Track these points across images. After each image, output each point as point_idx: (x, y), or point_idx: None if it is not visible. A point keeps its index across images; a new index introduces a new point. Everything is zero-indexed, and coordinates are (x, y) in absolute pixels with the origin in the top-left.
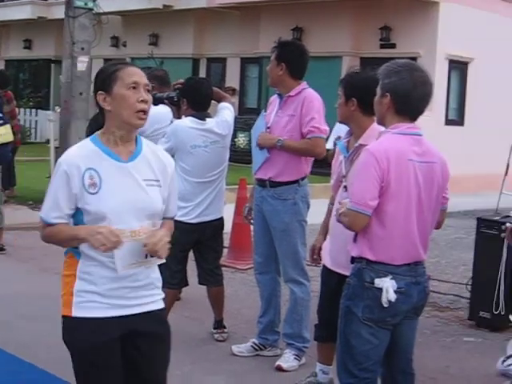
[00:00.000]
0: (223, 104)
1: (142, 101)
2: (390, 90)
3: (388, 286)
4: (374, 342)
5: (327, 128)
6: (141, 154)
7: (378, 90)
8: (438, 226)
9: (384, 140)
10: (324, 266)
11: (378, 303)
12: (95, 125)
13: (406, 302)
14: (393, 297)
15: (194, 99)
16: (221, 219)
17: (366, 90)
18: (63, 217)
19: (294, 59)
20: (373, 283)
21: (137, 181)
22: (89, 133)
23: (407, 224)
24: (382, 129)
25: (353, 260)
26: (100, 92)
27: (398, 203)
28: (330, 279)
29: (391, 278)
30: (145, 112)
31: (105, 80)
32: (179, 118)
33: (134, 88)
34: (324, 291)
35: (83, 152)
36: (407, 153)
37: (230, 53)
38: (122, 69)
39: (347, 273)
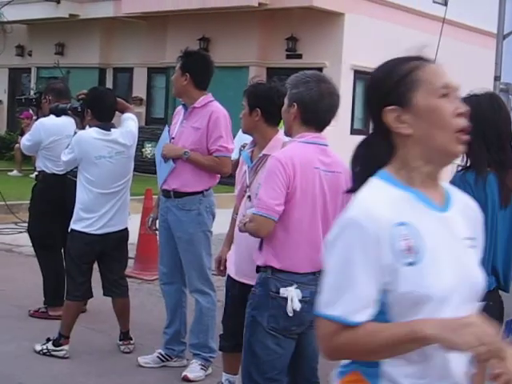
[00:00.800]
0: (127, 114)
1: (461, 114)
2: (297, 100)
3: (293, 296)
4: (279, 351)
5: (233, 146)
6: (453, 197)
7: (286, 100)
8: None
9: (290, 148)
10: (229, 276)
11: (283, 313)
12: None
13: (311, 311)
14: (298, 306)
15: (98, 110)
16: (125, 230)
17: (270, 101)
18: (370, 308)
19: (198, 69)
20: (278, 292)
21: (461, 241)
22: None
23: (312, 232)
24: (286, 139)
25: (258, 269)
26: (390, 108)
27: (303, 210)
28: (235, 289)
29: (296, 287)
30: (465, 131)
31: (395, 87)
32: (83, 128)
33: (445, 96)
34: (229, 301)
35: (385, 197)
36: (313, 161)
37: (136, 63)
38: (422, 67)
39: (251, 282)
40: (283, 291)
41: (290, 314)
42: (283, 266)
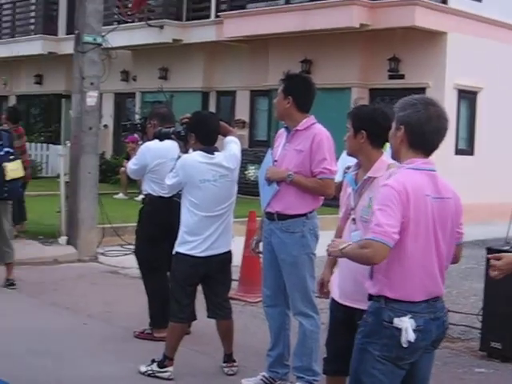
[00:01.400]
0: (230, 138)
1: None
2: (404, 123)
3: (407, 327)
4: (385, 381)
5: (337, 168)
6: None
7: (394, 123)
8: (456, 261)
9: (402, 175)
10: (332, 299)
11: (397, 342)
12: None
13: (425, 339)
14: (412, 337)
15: (202, 133)
16: (229, 252)
17: (375, 123)
18: None
19: (300, 92)
20: (391, 322)
21: None
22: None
23: (426, 260)
24: (391, 161)
25: (370, 297)
26: None
27: (416, 238)
28: (339, 312)
29: (410, 317)
30: None
31: None
32: (186, 152)
33: None
34: (332, 324)
35: None
36: (424, 188)
37: (239, 86)
38: None
39: (356, 305)
40: (397, 321)
41: (405, 345)
42: (397, 295)
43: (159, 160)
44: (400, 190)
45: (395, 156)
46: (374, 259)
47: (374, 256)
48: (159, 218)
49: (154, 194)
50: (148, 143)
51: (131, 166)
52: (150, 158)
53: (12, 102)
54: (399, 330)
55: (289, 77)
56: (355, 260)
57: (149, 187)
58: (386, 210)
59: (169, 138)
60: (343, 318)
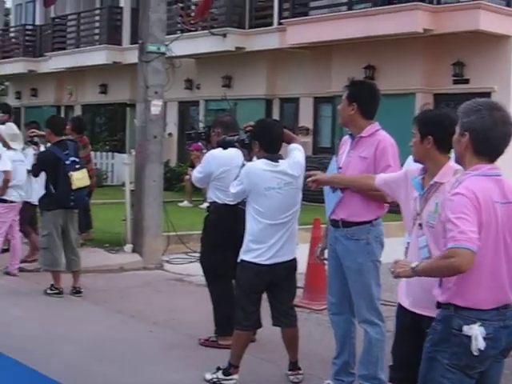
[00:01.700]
0: (293, 145)
1: None
2: (468, 129)
3: (477, 334)
4: None
5: None
6: None
7: (457, 129)
8: None
9: (469, 183)
10: (399, 306)
11: (466, 350)
12: None
13: (495, 347)
14: (482, 345)
15: (266, 141)
16: (294, 260)
17: (441, 127)
18: None
19: (365, 99)
20: (461, 330)
21: None
22: None
23: (495, 267)
24: (458, 166)
25: (439, 305)
26: None
27: (486, 245)
28: (406, 318)
29: (480, 325)
30: None
31: None
32: (250, 160)
33: None
34: (399, 331)
35: None
36: (492, 194)
37: (302, 92)
38: None
39: (424, 312)
40: (467, 329)
41: (476, 354)
42: (467, 303)
43: (224, 168)
44: (472, 198)
45: (459, 161)
46: (462, 267)
47: (461, 264)
48: (224, 226)
49: (219, 201)
50: (213, 151)
51: (196, 174)
52: (215, 166)
53: (77, 111)
54: (469, 337)
55: (353, 83)
56: (437, 273)
57: (214, 195)
58: (464, 218)
59: (233, 146)
60: (410, 324)
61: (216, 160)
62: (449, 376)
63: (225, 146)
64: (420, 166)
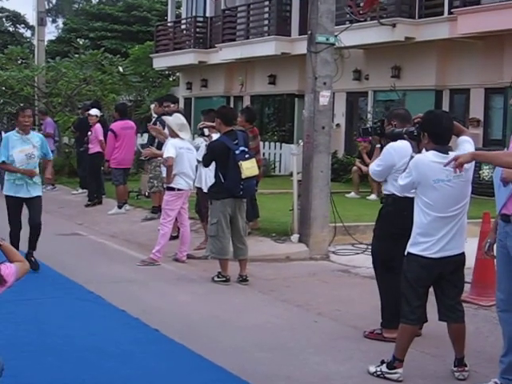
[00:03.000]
0: (463, 138)
1: None
2: None
3: None
4: None
5: None
6: None
7: None
8: None
9: None
10: None
11: None
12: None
13: None
14: None
15: (434, 133)
16: (462, 254)
17: None
18: None
19: None
20: None
21: None
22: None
23: None
24: None
25: None
26: None
27: None
28: None
29: None
30: None
31: None
32: (419, 152)
33: None
34: None
35: None
36: None
37: (473, 83)
38: None
39: None
40: None
41: None
42: None
43: (406, 159)
44: None
45: None
46: None
47: None
48: (401, 218)
49: (399, 194)
50: (392, 143)
51: (375, 167)
52: (398, 158)
53: (246, 102)
54: None
55: None
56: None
57: (393, 187)
58: None
59: (401, 138)
60: None
61: (398, 152)
62: None
63: (394, 138)
64: None
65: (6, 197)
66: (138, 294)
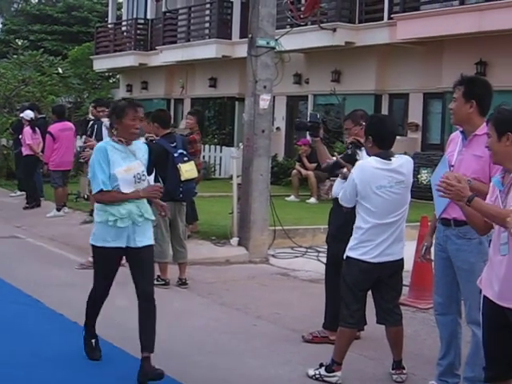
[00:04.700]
0: None
1: None
2: None
3: None
4: None
5: None
6: None
7: None
8: None
9: None
10: (485, 299)
11: None
12: None
13: None
14: None
15: (378, 136)
16: (401, 260)
17: None
18: None
19: (484, 96)
20: None
21: None
22: None
23: None
24: None
25: None
26: None
27: None
28: (495, 312)
29: None
30: None
31: None
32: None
33: None
34: (487, 326)
35: None
36: None
37: (412, 88)
38: None
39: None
40: None
41: None
42: None
43: None
44: None
45: None
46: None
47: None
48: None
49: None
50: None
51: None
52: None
53: (187, 104)
54: None
55: (470, 80)
56: (486, 216)
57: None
58: None
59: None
60: (502, 320)
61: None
62: None
63: (332, 169)
64: None
65: (97, 248)
66: (77, 297)
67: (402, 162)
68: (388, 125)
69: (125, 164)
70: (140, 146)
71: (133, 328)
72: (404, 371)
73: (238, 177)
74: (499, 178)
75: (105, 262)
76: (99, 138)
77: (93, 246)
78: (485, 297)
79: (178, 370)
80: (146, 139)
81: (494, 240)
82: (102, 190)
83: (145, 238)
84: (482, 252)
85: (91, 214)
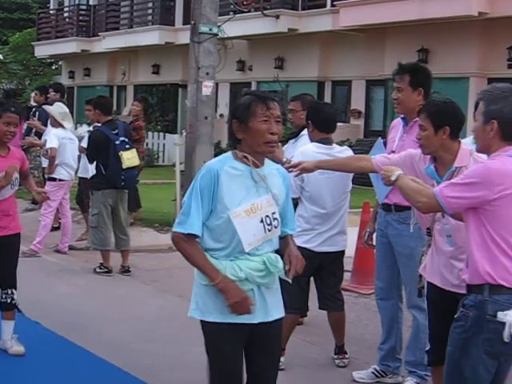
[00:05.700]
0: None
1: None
2: (497, 117)
3: (511, 321)
4: (488, 376)
5: None
6: None
7: (481, 117)
8: None
9: (501, 161)
10: (429, 284)
11: (500, 337)
12: None
13: None
14: None
15: (318, 119)
16: (343, 250)
17: (457, 117)
18: None
19: (429, 84)
20: (495, 316)
21: None
22: None
23: None
24: (469, 146)
25: (469, 289)
26: None
27: None
28: (443, 299)
29: None
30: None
31: None
32: None
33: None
34: (434, 311)
35: None
36: None
37: (355, 75)
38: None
39: (453, 289)
40: (501, 316)
41: (507, 340)
42: (500, 278)
43: None
44: (496, 171)
45: (483, 149)
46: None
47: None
48: None
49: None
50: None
51: None
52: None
53: (130, 91)
54: (503, 324)
55: (414, 68)
56: (405, 195)
57: None
58: (468, 185)
59: None
60: (448, 304)
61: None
62: (482, 363)
63: None
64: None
65: (207, 324)
66: (19, 286)
67: (342, 149)
68: (326, 108)
69: (252, 199)
70: (272, 168)
71: (77, 315)
72: (346, 356)
73: (181, 164)
74: (433, 168)
75: (223, 343)
76: (43, 125)
77: (203, 322)
78: (430, 283)
79: (122, 359)
80: (94, 128)
81: (436, 233)
82: (190, 235)
83: (277, 310)
84: (421, 237)
85: (33, 202)
